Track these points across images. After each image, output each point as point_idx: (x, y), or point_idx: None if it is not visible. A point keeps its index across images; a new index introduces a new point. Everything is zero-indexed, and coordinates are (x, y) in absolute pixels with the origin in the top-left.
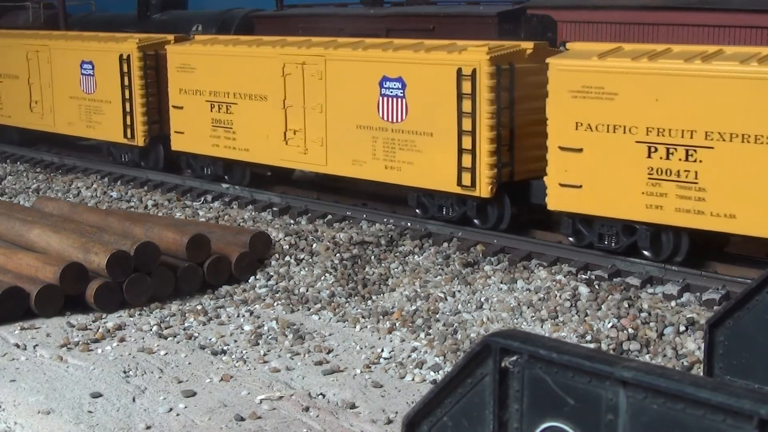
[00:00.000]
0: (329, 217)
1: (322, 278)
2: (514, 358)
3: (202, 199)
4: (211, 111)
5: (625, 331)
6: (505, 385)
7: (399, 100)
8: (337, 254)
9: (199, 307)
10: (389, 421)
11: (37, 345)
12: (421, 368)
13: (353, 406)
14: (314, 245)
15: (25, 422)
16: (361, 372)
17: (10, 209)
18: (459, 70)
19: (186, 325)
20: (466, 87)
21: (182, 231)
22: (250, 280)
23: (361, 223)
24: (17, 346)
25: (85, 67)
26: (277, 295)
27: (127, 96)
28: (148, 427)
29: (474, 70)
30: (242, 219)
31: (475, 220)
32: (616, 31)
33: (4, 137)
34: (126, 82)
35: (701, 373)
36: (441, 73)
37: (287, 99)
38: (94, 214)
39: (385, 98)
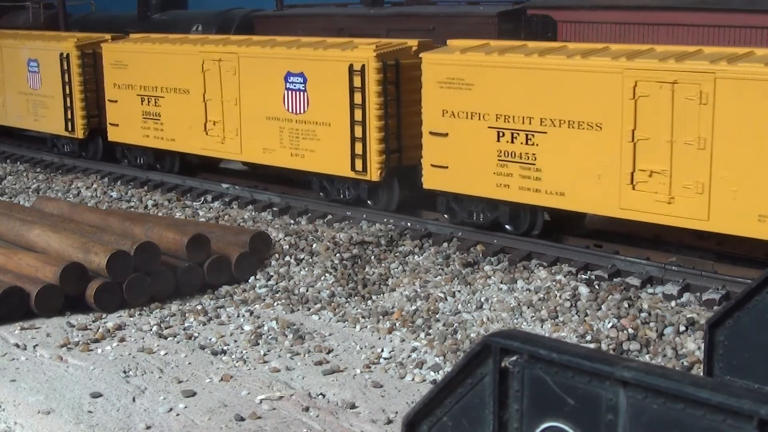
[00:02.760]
0: (329, 217)
1: (322, 278)
2: (514, 358)
3: (202, 199)
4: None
5: (625, 331)
6: (505, 385)
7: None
8: (337, 254)
9: (199, 307)
10: (389, 421)
11: (37, 345)
12: (421, 368)
13: (353, 406)
14: (314, 245)
15: (25, 422)
16: (361, 372)
17: (10, 209)
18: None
19: (186, 325)
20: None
21: (182, 231)
22: (250, 280)
23: (361, 223)
24: (17, 346)
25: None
26: (277, 295)
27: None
28: (148, 427)
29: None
30: (242, 219)
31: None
32: (616, 31)
33: None
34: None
35: (701, 373)
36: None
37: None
38: (94, 214)
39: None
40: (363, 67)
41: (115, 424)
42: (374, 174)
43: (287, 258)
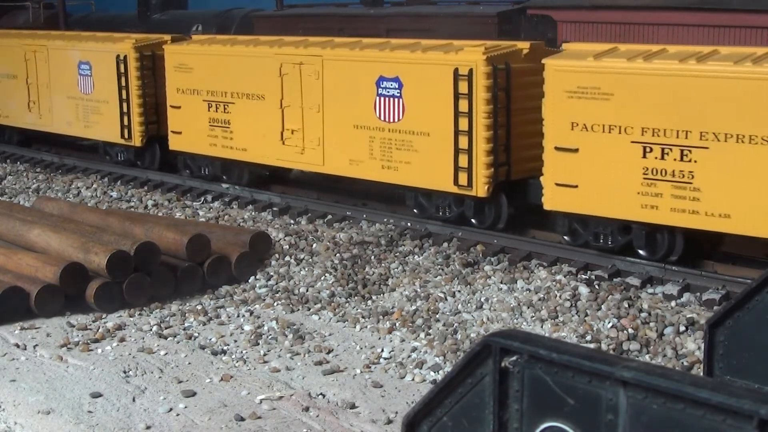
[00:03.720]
0: (329, 217)
1: (322, 278)
2: (514, 358)
3: (202, 199)
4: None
5: (625, 331)
6: (505, 385)
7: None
8: (337, 254)
9: (199, 307)
10: (389, 421)
11: (37, 345)
12: (421, 368)
13: (353, 406)
14: (314, 245)
15: (25, 422)
16: (361, 372)
17: (10, 209)
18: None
19: (186, 325)
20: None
21: (182, 231)
22: (250, 280)
23: (361, 223)
24: (17, 346)
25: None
26: (277, 295)
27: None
28: (148, 427)
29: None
30: (242, 219)
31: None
32: (616, 31)
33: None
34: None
35: (701, 373)
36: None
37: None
38: (94, 214)
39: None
40: (470, 71)
41: (115, 424)
42: (481, 189)
43: (287, 258)
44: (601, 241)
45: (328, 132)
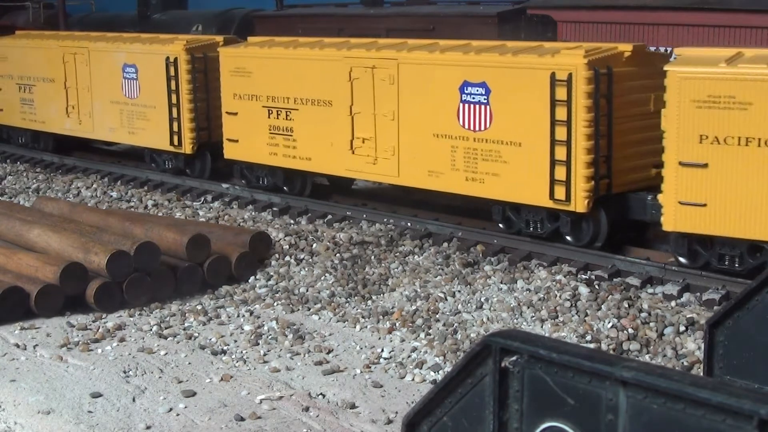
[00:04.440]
0: (329, 217)
1: (322, 278)
2: (514, 358)
3: (202, 199)
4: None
5: (625, 331)
6: (505, 385)
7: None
8: (337, 254)
9: (199, 307)
10: (389, 421)
11: (37, 345)
12: (421, 368)
13: (353, 406)
14: (314, 245)
15: (25, 422)
16: (361, 372)
17: (10, 209)
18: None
19: (186, 325)
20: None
21: (182, 231)
22: (250, 280)
23: (361, 223)
24: (17, 346)
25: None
26: (277, 295)
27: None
28: (148, 427)
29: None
30: (242, 219)
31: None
32: (616, 31)
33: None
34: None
35: (701, 373)
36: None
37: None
38: (94, 214)
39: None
40: (569, 76)
41: (115, 424)
42: (580, 204)
43: (287, 258)
44: (727, 263)
45: (404, 141)
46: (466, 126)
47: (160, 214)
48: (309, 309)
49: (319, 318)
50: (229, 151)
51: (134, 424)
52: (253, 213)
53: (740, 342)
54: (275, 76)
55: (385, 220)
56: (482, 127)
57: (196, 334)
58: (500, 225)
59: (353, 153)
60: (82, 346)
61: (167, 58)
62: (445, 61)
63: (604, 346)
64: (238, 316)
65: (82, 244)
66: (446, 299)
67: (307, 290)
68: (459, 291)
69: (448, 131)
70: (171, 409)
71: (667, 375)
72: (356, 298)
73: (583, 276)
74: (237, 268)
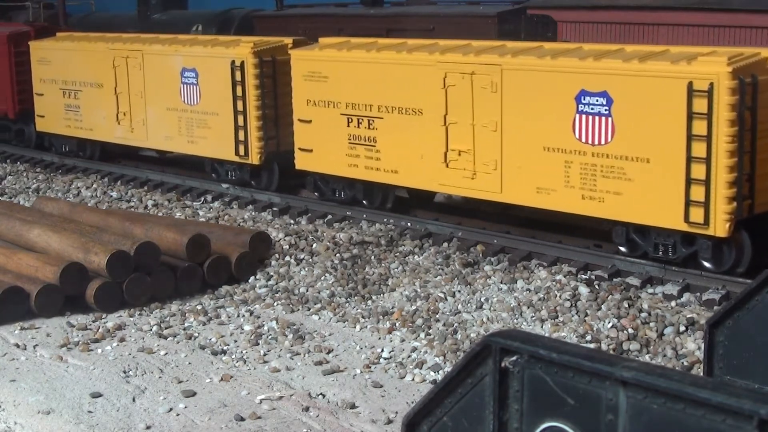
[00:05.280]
0: (329, 217)
1: (322, 278)
2: (514, 358)
3: (202, 199)
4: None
5: (625, 331)
6: (505, 385)
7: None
8: (337, 254)
9: (199, 307)
10: (389, 421)
11: (37, 345)
12: (421, 368)
13: (353, 406)
14: (314, 245)
15: (25, 422)
16: (361, 372)
17: (10, 209)
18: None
19: (186, 325)
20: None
21: (182, 231)
22: (250, 280)
23: (361, 223)
24: (17, 346)
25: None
26: (277, 295)
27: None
28: (148, 427)
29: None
30: (242, 219)
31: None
32: (616, 32)
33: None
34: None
35: (701, 373)
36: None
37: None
38: (94, 214)
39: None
40: (711, 86)
41: (115, 424)
42: (720, 227)
43: (287, 258)
44: None
45: (509, 154)
46: (583, 139)
47: (160, 214)
48: (309, 309)
49: (319, 318)
50: (302, 162)
51: (134, 424)
52: (253, 213)
53: (740, 342)
54: (356, 82)
55: (385, 220)
56: (603, 141)
57: (196, 334)
58: (621, 248)
59: (447, 166)
60: (82, 346)
61: (233, 62)
62: (558, 67)
63: (604, 346)
64: (238, 316)
65: (82, 244)
66: (446, 299)
67: (307, 290)
68: (459, 291)
69: (561, 144)
70: (171, 409)
71: (667, 375)
72: (356, 298)
73: (583, 276)
74: (237, 268)
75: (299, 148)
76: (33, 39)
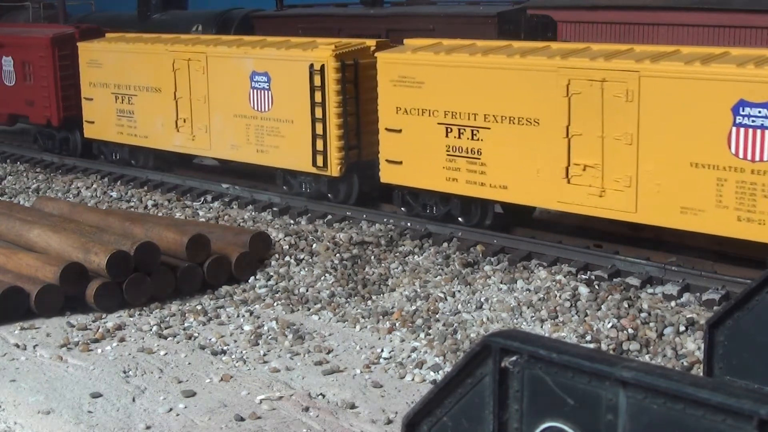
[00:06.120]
0: (329, 217)
1: (322, 278)
2: (514, 358)
3: (202, 199)
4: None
5: (625, 331)
6: (505, 385)
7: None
8: (337, 254)
9: (199, 307)
10: (389, 421)
11: (37, 345)
12: (421, 368)
13: (353, 406)
14: (314, 245)
15: (25, 422)
16: (361, 372)
17: (10, 209)
18: None
19: (186, 325)
20: None
21: (182, 231)
22: (250, 280)
23: (361, 223)
24: (17, 346)
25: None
26: (277, 295)
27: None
28: (148, 427)
29: None
30: (242, 219)
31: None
32: (616, 32)
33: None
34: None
35: (701, 373)
36: None
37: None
38: (94, 214)
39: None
40: None
41: (115, 424)
42: None
43: (287, 258)
44: None
45: (646, 170)
46: (741, 155)
47: (160, 214)
48: (309, 309)
49: (319, 318)
50: (389, 174)
51: (134, 424)
52: (253, 213)
53: (740, 342)
54: (458, 88)
55: (385, 220)
56: (766, 157)
57: (196, 334)
58: None
59: (569, 182)
60: (82, 346)
61: (311, 66)
62: (711, 74)
63: (604, 346)
64: (238, 316)
65: (82, 244)
66: (446, 299)
67: (307, 290)
68: (459, 291)
69: (713, 160)
70: (171, 409)
71: (667, 375)
72: (356, 298)
73: (583, 276)
74: (237, 268)
75: (386, 160)
76: (78, 41)
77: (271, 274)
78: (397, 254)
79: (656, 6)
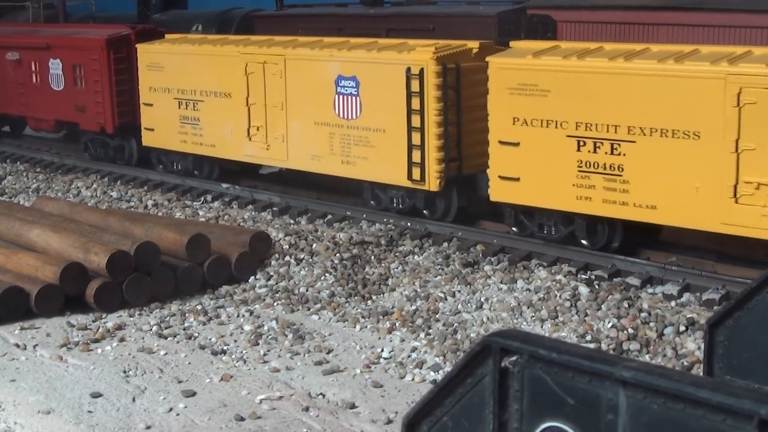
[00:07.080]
0: (329, 217)
1: (322, 278)
2: (514, 358)
3: (202, 199)
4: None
5: (625, 331)
6: (505, 385)
7: None
8: (337, 254)
9: (199, 307)
10: (389, 421)
11: (37, 345)
12: (421, 368)
13: (353, 406)
14: (314, 245)
15: (25, 422)
16: (361, 372)
17: (10, 209)
18: None
19: (186, 325)
20: None
21: (182, 231)
22: (250, 280)
23: (361, 223)
24: (17, 346)
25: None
26: (277, 295)
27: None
28: (148, 427)
29: None
30: (242, 219)
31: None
32: (616, 31)
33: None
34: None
35: (701, 373)
36: None
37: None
38: (94, 214)
39: None
40: None
41: (115, 424)
42: None
43: (287, 258)
44: None
45: None
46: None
47: (160, 214)
48: (309, 309)
49: (319, 318)
50: (501, 192)
51: (134, 424)
52: (253, 213)
53: (740, 342)
54: (594, 97)
55: (385, 220)
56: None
57: (196, 334)
58: None
59: (737, 202)
60: (82, 346)
61: (408, 69)
62: None
63: (604, 346)
64: (238, 316)
65: (82, 244)
66: (446, 299)
67: (307, 290)
68: (459, 291)
69: None
70: (171, 409)
71: (667, 375)
72: (356, 298)
73: (583, 276)
74: (237, 268)
75: (499, 176)
76: (134, 43)
77: (271, 273)
78: (397, 254)
79: (656, 6)
